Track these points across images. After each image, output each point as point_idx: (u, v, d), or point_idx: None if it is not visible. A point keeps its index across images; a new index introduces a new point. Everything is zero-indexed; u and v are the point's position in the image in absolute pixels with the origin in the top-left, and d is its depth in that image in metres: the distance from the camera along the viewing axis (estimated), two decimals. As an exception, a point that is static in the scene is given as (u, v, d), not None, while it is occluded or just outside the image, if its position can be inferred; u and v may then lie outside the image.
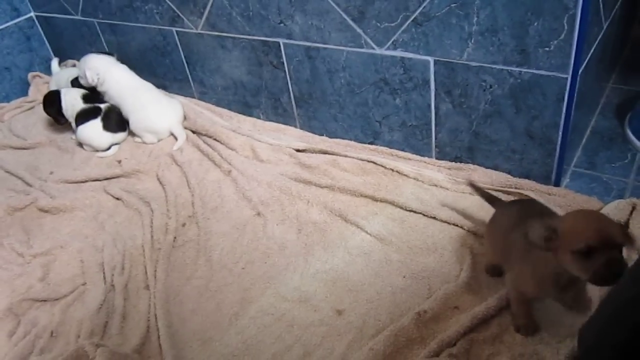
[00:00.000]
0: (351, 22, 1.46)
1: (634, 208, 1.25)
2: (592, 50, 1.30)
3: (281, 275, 1.33)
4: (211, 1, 1.71)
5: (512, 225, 1.06)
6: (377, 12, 1.40)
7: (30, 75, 2.40)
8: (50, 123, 2.09)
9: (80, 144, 1.94)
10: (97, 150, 1.90)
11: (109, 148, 1.90)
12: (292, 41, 1.61)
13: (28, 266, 1.48)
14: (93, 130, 1.88)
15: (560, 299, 1.11)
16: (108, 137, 1.89)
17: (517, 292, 1.07)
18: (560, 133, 1.32)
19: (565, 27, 1.17)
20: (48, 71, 2.44)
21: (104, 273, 1.41)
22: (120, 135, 1.92)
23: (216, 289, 1.32)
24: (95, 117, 1.88)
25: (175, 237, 1.48)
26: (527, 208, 1.12)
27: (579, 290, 1.09)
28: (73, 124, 1.93)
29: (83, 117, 1.89)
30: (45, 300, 1.37)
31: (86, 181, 1.77)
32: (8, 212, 1.66)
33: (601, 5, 1.27)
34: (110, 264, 1.43)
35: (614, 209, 1.26)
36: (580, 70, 1.23)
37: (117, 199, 1.67)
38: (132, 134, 1.94)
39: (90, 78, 1.89)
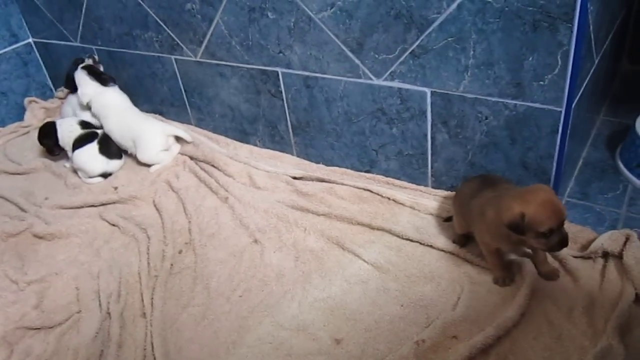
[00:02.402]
0: (350, 53, 1.49)
1: (627, 239, 1.27)
2: (584, 84, 1.34)
3: (279, 304, 1.33)
4: (211, 30, 1.74)
5: (472, 194, 1.27)
6: (376, 44, 1.43)
7: (26, 100, 2.41)
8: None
9: (75, 171, 1.94)
10: (90, 177, 1.89)
11: (102, 176, 1.90)
12: (290, 70, 1.64)
13: (22, 293, 1.46)
14: (88, 153, 1.88)
15: (516, 251, 1.30)
16: (102, 162, 1.88)
17: (483, 244, 1.27)
18: (555, 164, 1.35)
19: (559, 63, 1.20)
20: (44, 96, 2.45)
21: (99, 300, 1.40)
22: (115, 163, 1.91)
23: (213, 317, 1.32)
24: (91, 141, 1.89)
25: (172, 264, 1.48)
26: (485, 180, 1.32)
27: (542, 261, 1.28)
28: (69, 152, 1.93)
29: (80, 142, 1.90)
30: (39, 329, 1.36)
31: (82, 207, 1.76)
32: (2, 238, 1.66)
33: (593, 42, 1.32)
34: (106, 292, 1.42)
35: (608, 240, 1.28)
36: (573, 104, 1.27)
37: (113, 225, 1.66)
38: (134, 161, 1.95)
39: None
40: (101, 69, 2.06)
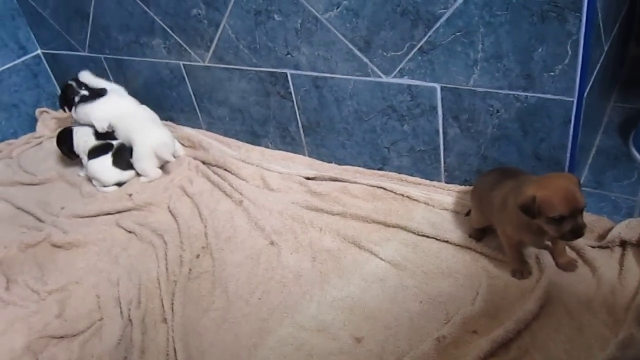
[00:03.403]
0: (357, 52, 1.49)
1: (645, 226, 1.27)
2: (595, 72, 1.33)
3: (298, 305, 1.34)
4: (218, 35, 1.75)
5: (492, 187, 1.27)
6: (383, 41, 1.43)
7: (37, 111, 2.44)
8: (59, 158, 2.12)
9: (90, 179, 1.96)
10: (104, 186, 1.91)
11: (116, 185, 1.92)
12: (299, 72, 1.65)
13: (44, 303, 1.48)
14: (102, 165, 1.90)
15: (537, 243, 1.27)
16: (116, 173, 1.90)
17: (505, 237, 1.26)
18: (568, 154, 1.35)
19: (569, 52, 1.20)
20: (55, 107, 2.47)
21: (120, 307, 1.42)
22: (129, 173, 1.92)
23: (234, 320, 1.33)
24: (106, 152, 1.90)
25: (190, 269, 1.49)
26: (505, 171, 1.32)
27: (561, 252, 1.28)
28: (84, 160, 1.95)
29: (95, 152, 1.91)
30: (62, 337, 1.38)
31: (98, 215, 1.78)
32: (21, 249, 1.67)
33: (602, 29, 1.31)
34: (126, 298, 1.43)
35: (625, 228, 1.28)
36: (585, 93, 1.26)
37: (130, 232, 1.68)
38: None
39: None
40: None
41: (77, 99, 1.99)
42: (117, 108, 1.97)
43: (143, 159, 1.89)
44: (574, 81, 1.23)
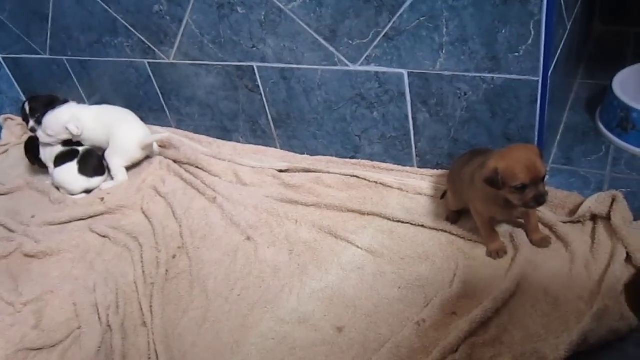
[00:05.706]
0: (323, 42, 1.48)
1: (614, 200, 1.29)
2: (559, 51, 1.35)
3: (278, 298, 1.33)
4: (182, 31, 1.72)
5: (463, 166, 1.30)
6: (349, 30, 1.42)
7: (1, 118, 2.38)
8: (26, 165, 2.07)
9: (57, 187, 1.91)
10: (72, 194, 1.87)
11: (84, 192, 1.88)
12: (265, 64, 1.63)
13: (19, 315, 1.45)
14: (68, 173, 1.85)
15: (507, 217, 1.32)
16: (83, 181, 1.85)
17: (477, 214, 1.28)
18: (537, 133, 1.36)
19: (532, 33, 1.21)
20: (20, 113, 2.40)
21: (98, 314, 1.40)
22: (97, 180, 1.87)
23: (214, 319, 1.32)
24: (71, 160, 1.85)
25: (167, 270, 1.48)
26: (475, 151, 1.34)
27: (534, 229, 1.30)
28: (50, 168, 1.90)
29: (61, 159, 1.86)
30: (41, 349, 1.35)
31: (70, 222, 1.74)
32: (-7, 261, 1.64)
33: (564, 7, 1.32)
34: (104, 304, 1.41)
35: (595, 202, 1.30)
36: (549, 72, 1.28)
37: (104, 236, 1.65)
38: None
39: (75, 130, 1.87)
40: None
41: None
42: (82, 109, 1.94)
43: (122, 153, 1.85)
44: (539, 61, 1.24)
